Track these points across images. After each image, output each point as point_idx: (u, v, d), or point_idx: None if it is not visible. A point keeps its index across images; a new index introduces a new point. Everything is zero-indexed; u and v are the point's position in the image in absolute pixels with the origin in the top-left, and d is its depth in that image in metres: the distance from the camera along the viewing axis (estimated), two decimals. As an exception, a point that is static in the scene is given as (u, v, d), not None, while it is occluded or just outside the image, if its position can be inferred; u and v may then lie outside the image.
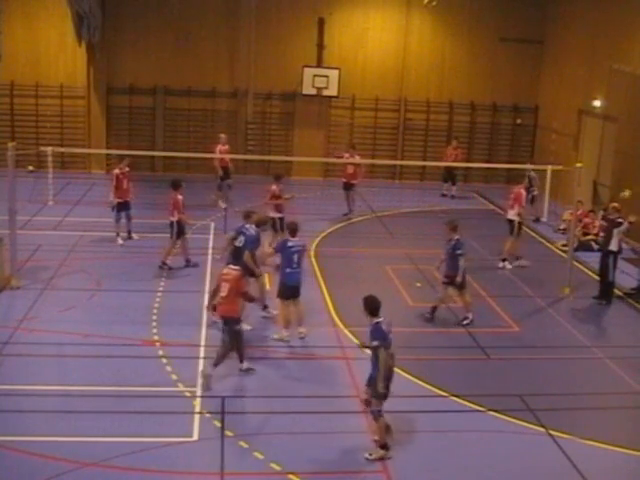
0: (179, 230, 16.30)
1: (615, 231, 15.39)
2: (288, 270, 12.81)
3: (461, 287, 14.07)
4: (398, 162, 27.11)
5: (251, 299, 12.07)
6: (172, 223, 16.20)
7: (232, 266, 11.71)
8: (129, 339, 12.53)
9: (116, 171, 18.28)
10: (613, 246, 15.47)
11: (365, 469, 9.26)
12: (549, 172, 22.69)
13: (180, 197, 16.30)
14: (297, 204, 23.13)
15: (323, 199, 24.40)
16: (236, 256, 12.98)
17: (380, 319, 9.62)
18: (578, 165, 17.11)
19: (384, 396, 9.43)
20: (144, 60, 26.16)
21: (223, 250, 13.90)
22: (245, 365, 11.57)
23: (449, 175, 24.96)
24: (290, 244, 12.83)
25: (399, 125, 27.81)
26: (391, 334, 9.55)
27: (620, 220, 15.46)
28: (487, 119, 28.12)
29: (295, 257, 12.78)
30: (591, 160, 23.43)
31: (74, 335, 12.56)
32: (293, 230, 12.94)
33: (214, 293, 12.37)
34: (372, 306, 9.70)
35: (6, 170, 14.68)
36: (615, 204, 16.26)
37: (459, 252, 13.96)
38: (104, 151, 25.76)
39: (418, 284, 16.35)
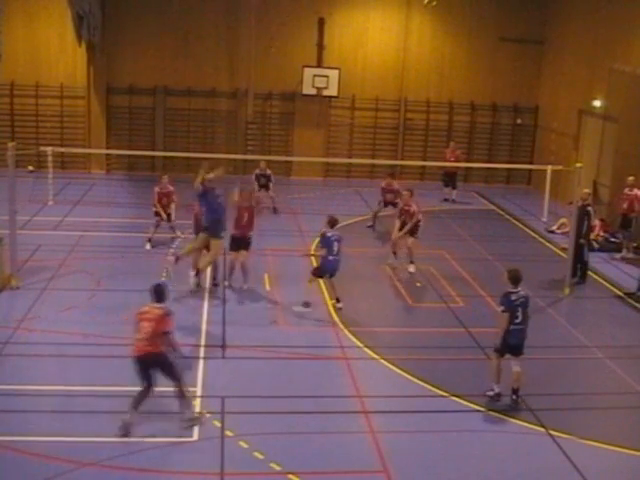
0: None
1: (585, 218, 16.72)
2: (330, 258, 14.16)
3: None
4: (398, 162, 27.13)
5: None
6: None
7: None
8: (129, 339, 12.50)
9: (156, 189, 18.24)
10: (584, 230, 16.73)
11: (365, 469, 9.26)
12: (549, 172, 22.64)
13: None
14: (297, 204, 23.18)
15: (323, 199, 24.40)
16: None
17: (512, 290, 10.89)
18: (578, 165, 17.12)
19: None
20: (144, 60, 26.17)
21: None
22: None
23: (449, 179, 24.96)
24: (329, 234, 14.22)
25: (399, 125, 27.82)
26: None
27: (588, 209, 16.74)
28: (487, 119, 28.14)
29: (335, 245, 14.15)
30: (591, 160, 23.44)
31: (74, 335, 12.55)
32: (332, 223, 14.42)
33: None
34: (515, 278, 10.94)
35: (6, 170, 14.67)
36: (587, 190, 17.84)
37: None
38: (104, 151, 25.79)
39: (418, 284, 16.36)
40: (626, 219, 19.39)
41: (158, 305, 9.89)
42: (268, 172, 21.86)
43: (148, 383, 9.78)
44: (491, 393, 11.12)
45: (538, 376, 12.04)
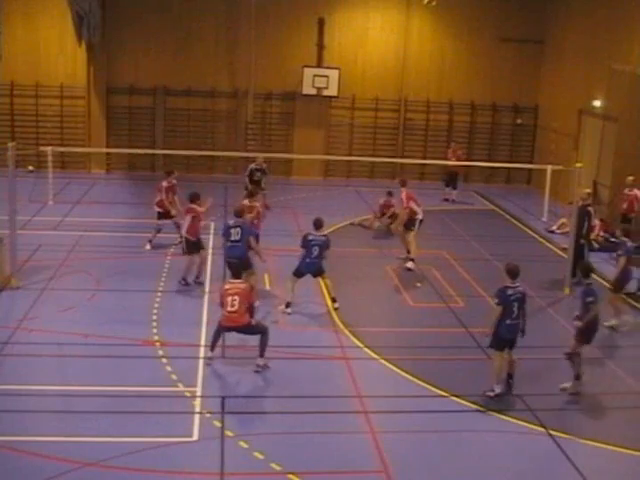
0: (190, 245, 15.47)
1: (585, 218, 16.85)
2: (307, 260, 14.17)
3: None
4: (398, 160, 27.10)
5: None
6: (183, 239, 15.55)
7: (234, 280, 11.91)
8: (129, 339, 12.53)
9: (164, 183, 17.96)
10: (584, 231, 16.90)
11: (365, 469, 9.27)
12: (549, 172, 22.70)
13: (197, 208, 15.52)
14: (297, 204, 23.18)
15: (323, 199, 24.41)
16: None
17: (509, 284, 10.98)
18: (578, 165, 17.13)
19: None
20: (144, 60, 26.17)
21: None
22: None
23: (450, 179, 24.97)
24: (310, 237, 14.12)
25: (399, 125, 27.82)
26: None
27: (589, 209, 16.89)
28: (487, 119, 28.13)
29: (315, 250, 14.10)
30: (591, 160, 23.43)
31: (74, 335, 12.56)
32: (318, 225, 14.26)
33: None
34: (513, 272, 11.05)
35: (6, 170, 14.67)
36: (587, 190, 18.23)
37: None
38: (104, 151, 25.79)
39: (418, 284, 16.36)
40: (626, 219, 19.39)
41: (239, 281, 11.79)
42: (264, 166, 21.76)
43: (218, 341, 11.79)
44: (491, 394, 11.14)
45: (538, 376, 12.05)
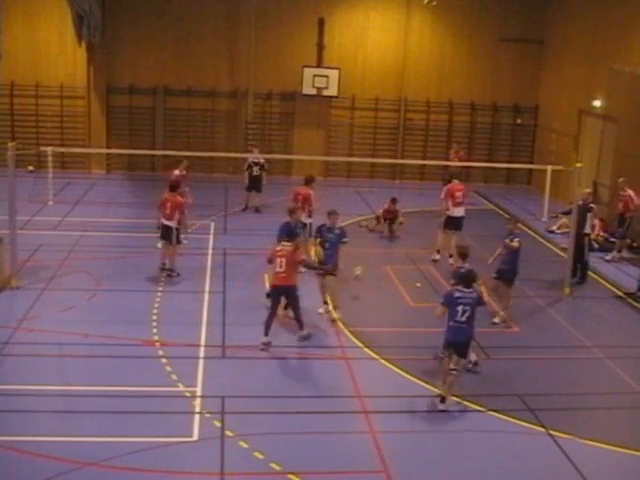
0: (178, 235, 15.87)
1: (588, 215, 16.82)
2: None
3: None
4: (398, 161, 27.12)
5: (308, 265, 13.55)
6: (171, 228, 15.77)
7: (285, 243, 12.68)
8: (129, 339, 12.54)
9: (176, 172, 17.84)
10: (586, 229, 16.89)
11: (365, 469, 9.27)
12: (549, 172, 22.70)
13: (181, 199, 16.01)
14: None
15: (323, 199, 24.37)
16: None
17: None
18: (578, 165, 17.14)
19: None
20: (144, 60, 26.17)
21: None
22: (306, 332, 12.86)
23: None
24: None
25: (399, 125, 27.82)
26: None
27: (591, 205, 17.03)
28: (487, 119, 28.13)
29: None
30: (591, 160, 23.44)
31: (74, 335, 12.56)
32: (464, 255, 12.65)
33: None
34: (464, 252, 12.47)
35: (6, 170, 14.67)
36: (588, 190, 18.21)
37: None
38: (104, 151, 25.78)
39: (418, 284, 16.35)
40: (622, 219, 19.41)
41: (288, 243, 12.58)
42: (262, 160, 21.52)
43: (275, 309, 12.64)
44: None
45: (538, 376, 12.06)
